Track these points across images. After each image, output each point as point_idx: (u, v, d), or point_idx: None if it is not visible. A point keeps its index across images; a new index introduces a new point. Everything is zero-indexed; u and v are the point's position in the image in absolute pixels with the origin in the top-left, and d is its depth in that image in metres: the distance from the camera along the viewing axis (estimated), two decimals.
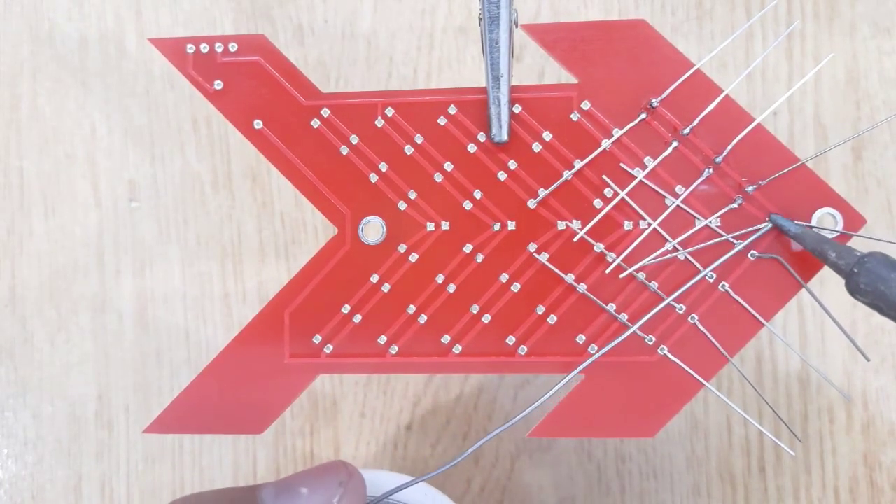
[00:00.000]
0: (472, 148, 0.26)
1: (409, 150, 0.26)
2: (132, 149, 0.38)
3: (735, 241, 0.25)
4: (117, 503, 0.37)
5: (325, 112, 0.26)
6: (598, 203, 0.25)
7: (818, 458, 0.35)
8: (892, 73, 0.36)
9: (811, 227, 0.24)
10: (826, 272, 0.24)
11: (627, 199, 0.25)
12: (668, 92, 0.25)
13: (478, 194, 0.26)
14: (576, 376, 0.25)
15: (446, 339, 0.26)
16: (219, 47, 0.26)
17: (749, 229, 0.25)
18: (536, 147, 0.25)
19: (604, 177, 0.25)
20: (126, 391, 0.37)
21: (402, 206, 0.26)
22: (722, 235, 0.25)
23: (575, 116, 0.25)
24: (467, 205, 0.26)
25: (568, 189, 0.25)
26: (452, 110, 0.26)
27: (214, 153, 0.38)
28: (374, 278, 0.26)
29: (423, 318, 0.26)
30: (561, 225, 0.25)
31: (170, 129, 0.38)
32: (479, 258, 0.26)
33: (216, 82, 0.26)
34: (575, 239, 0.25)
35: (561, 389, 0.25)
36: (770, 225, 0.25)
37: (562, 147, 0.25)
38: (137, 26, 0.38)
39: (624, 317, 0.25)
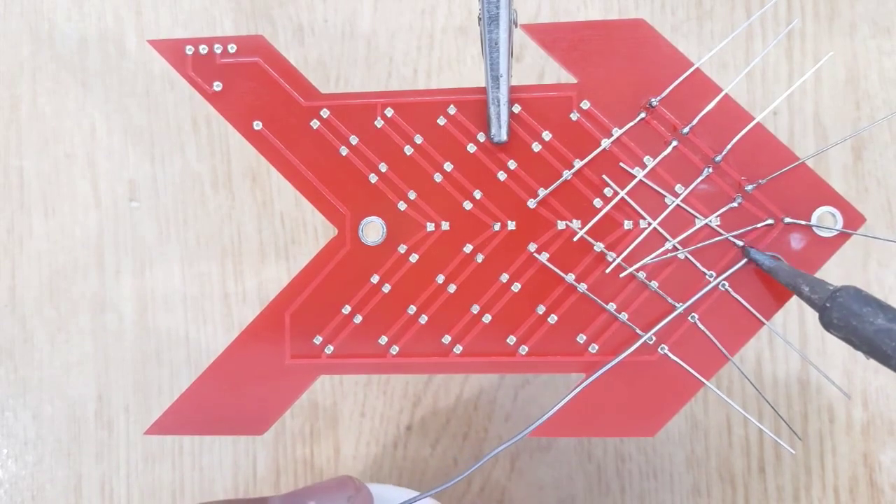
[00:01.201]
0: (471, 148, 0.26)
1: (408, 150, 0.26)
2: (132, 149, 0.38)
3: (735, 240, 0.25)
4: (117, 503, 0.37)
5: (325, 113, 0.26)
6: (598, 203, 0.25)
7: (818, 458, 0.35)
8: (892, 73, 0.36)
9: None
10: (825, 272, 0.24)
11: (627, 198, 0.25)
12: (667, 91, 0.25)
13: (478, 194, 0.26)
14: (575, 376, 0.25)
15: (447, 339, 0.26)
16: (218, 48, 0.26)
17: (732, 269, 0.25)
18: (536, 147, 0.26)
19: (603, 176, 0.25)
20: (126, 391, 0.37)
21: (402, 206, 0.26)
22: (722, 234, 0.25)
23: (574, 116, 0.25)
24: (467, 205, 0.26)
25: (568, 189, 0.25)
26: (452, 110, 0.26)
27: (214, 153, 0.38)
28: (375, 279, 0.26)
29: (423, 319, 0.26)
30: (561, 225, 0.25)
31: (170, 129, 0.38)
32: (480, 258, 0.26)
33: (215, 83, 0.26)
34: (575, 239, 0.25)
35: (561, 390, 0.25)
36: (746, 260, 0.25)
37: (561, 147, 0.25)
38: (137, 26, 0.38)
39: (624, 316, 0.25)
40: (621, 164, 0.25)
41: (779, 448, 0.35)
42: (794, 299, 0.24)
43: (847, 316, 0.21)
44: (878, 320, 0.21)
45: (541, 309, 0.25)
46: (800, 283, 0.23)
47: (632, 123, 0.25)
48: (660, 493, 0.36)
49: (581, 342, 0.25)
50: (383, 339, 0.26)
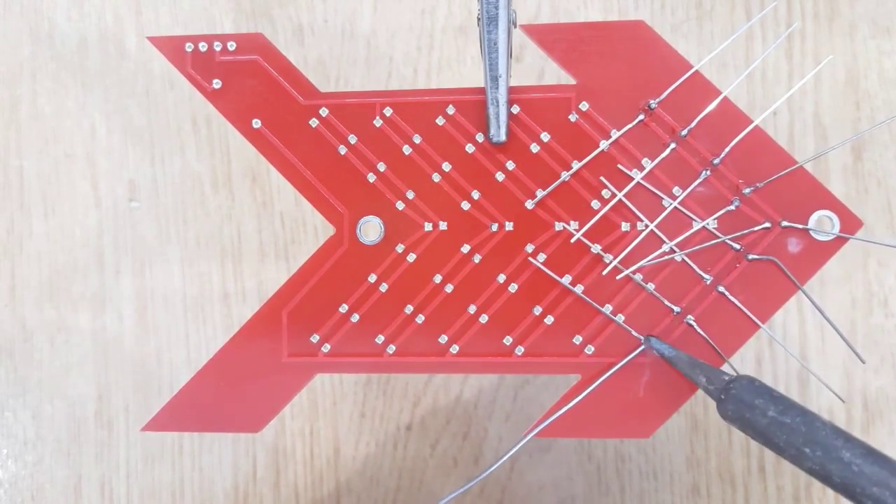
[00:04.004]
0: (470, 148, 0.26)
1: (407, 150, 0.26)
2: (132, 149, 0.38)
3: (732, 243, 0.25)
4: (117, 503, 0.37)
5: (324, 111, 0.26)
6: (595, 204, 0.25)
7: None
8: (891, 73, 0.35)
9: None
10: (824, 273, 0.24)
11: (625, 200, 0.25)
12: (666, 93, 0.25)
13: (476, 195, 0.26)
14: (573, 377, 0.25)
15: (444, 339, 0.26)
16: (217, 46, 0.26)
17: (628, 358, 0.25)
18: (534, 148, 0.25)
19: (601, 178, 0.25)
20: (126, 391, 0.37)
21: (400, 206, 0.26)
22: (719, 237, 0.25)
23: (573, 117, 0.25)
24: (465, 205, 0.26)
25: (565, 190, 0.25)
26: (451, 110, 0.26)
27: (214, 153, 0.38)
28: (372, 278, 0.26)
29: (420, 318, 0.26)
30: (558, 226, 0.25)
31: (170, 129, 0.38)
32: (477, 258, 0.26)
33: (215, 81, 0.26)
34: (572, 240, 0.25)
35: (561, 390, 0.25)
36: (642, 348, 0.25)
37: (560, 148, 0.25)
38: (137, 26, 0.38)
39: (621, 318, 0.25)
40: (619, 165, 0.25)
41: None
42: (793, 301, 0.24)
43: (741, 408, 0.21)
44: (769, 412, 0.20)
45: (537, 310, 0.25)
46: (697, 373, 0.23)
47: (630, 125, 0.25)
48: (660, 493, 0.36)
49: (577, 343, 0.25)
50: (380, 339, 0.26)
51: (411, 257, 0.26)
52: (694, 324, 0.25)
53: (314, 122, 0.26)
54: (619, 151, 0.25)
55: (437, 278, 0.26)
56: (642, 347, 0.25)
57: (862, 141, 0.35)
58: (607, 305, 0.25)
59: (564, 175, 0.25)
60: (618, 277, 0.25)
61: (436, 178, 0.26)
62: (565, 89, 0.26)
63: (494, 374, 0.33)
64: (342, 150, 0.26)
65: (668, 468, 0.36)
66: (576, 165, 0.25)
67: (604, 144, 0.25)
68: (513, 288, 0.26)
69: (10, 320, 0.38)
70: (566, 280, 0.25)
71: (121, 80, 0.38)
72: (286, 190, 0.37)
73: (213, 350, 0.26)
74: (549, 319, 0.25)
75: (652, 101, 0.25)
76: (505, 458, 0.25)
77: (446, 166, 0.26)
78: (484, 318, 0.26)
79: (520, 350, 0.25)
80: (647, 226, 0.25)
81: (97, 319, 0.38)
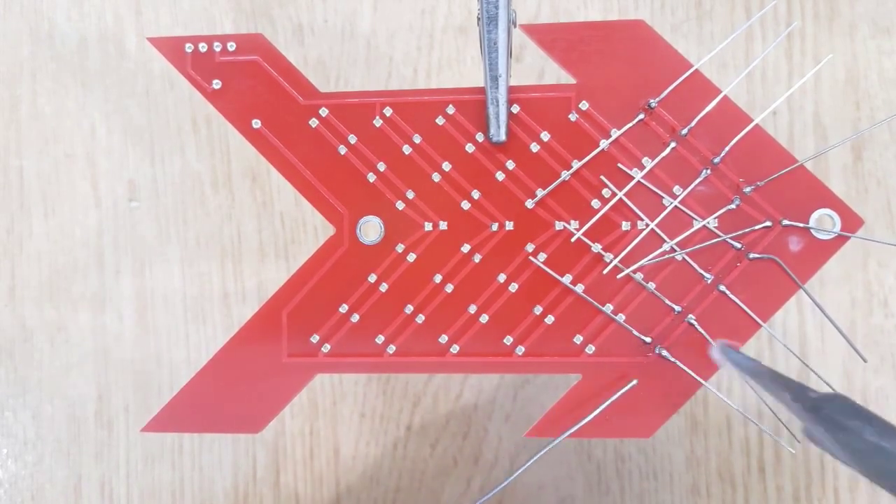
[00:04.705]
0: (470, 148, 0.26)
1: (407, 149, 0.26)
2: (132, 149, 0.38)
3: (733, 242, 0.25)
4: (117, 503, 0.37)
5: (324, 112, 0.26)
6: (596, 203, 0.25)
7: (818, 458, 0.35)
8: (891, 73, 0.35)
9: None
10: (824, 273, 0.24)
11: (625, 199, 0.25)
12: (666, 92, 0.25)
13: (476, 194, 0.26)
14: (573, 377, 0.25)
15: (444, 338, 0.26)
16: (217, 46, 0.26)
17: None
18: (534, 147, 0.25)
19: (602, 177, 0.25)
20: (126, 391, 0.37)
21: (401, 205, 0.26)
22: (720, 236, 0.25)
23: (573, 117, 0.25)
24: (465, 205, 0.26)
25: (566, 189, 0.25)
26: (451, 110, 0.26)
27: (214, 153, 0.38)
28: (372, 278, 0.26)
29: (420, 318, 0.26)
30: (559, 225, 0.25)
31: (170, 129, 0.38)
32: (477, 258, 0.26)
33: (214, 81, 0.26)
34: (573, 240, 0.25)
35: (561, 390, 0.25)
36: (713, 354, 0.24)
37: (560, 147, 0.25)
38: (137, 26, 0.38)
39: (621, 317, 0.25)
40: (619, 165, 0.25)
41: (779, 448, 0.35)
42: (793, 300, 0.24)
43: (833, 430, 0.19)
44: (866, 436, 0.18)
45: (538, 309, 0.25)
46: (781, 389, 0.21)
47: (630, 124, 0.25)
48: (660, 493, 0.36)
49: (578, 343, 0.25)
50: (380, 339, 0.26)
51: (411, 257, 0.26)
52: (695, 323, 0.25)
53: (314, 122, 0.26)
54: (619, 150, 0.25)
55: (438, 278, 0.26)
56: (713, 353, 0.24)
57: (862, 140, 0.35)
58: (608, 305, 0.25)
59: (564, 174, 0.25)
60: (618, 277, 0.25)
61: (436, 177, 0.26)
62: (565, 89, 0.26)
63: (495, 374, 0.33)
64: (342, 150, 0.26)
65: (668, 468, 0.36)
66: (576, 165, 0.25)
67: (604, 144, 0.25)
68: (513, 287, 0.26)
69: (10, 320, 0.38)
70: (567, 279, 0.25)
71: (121, 80, 0.38)
72: (286, 190, 0.37)
73: (213, 350, 0.26)
74: (550, 319, 0.25)
75: (652, 101, 0.25)
76: (531, 461, 0.25)
77: (446, 166, 0.26)
78: (484, 318, 0.26)
79: (520, 350, 0.25)
80: (647, 225, 0.25)
81: (97, 319, 0.38)
